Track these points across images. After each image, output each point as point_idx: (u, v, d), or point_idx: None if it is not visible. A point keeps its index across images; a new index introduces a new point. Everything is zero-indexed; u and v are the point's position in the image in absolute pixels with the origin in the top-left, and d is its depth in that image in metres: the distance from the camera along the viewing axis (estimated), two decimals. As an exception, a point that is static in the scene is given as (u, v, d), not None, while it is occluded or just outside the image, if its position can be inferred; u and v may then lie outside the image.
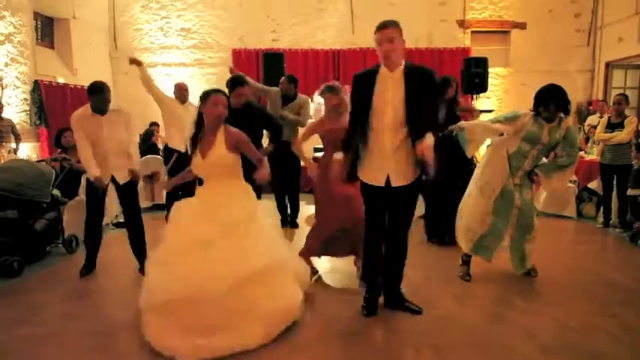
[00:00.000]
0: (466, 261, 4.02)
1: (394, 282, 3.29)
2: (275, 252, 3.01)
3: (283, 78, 5.66)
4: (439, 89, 3.14)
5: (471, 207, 3.89)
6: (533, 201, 3.90)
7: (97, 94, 3.94)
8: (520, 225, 3.82)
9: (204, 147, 3.01)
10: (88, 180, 4.07)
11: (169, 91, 5.92)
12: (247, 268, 2.80)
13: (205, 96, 3.02)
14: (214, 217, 2.90)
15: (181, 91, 5.79)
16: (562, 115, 3.70)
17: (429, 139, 2.83)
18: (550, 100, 3.62)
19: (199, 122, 3.05)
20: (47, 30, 8.95)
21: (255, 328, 2.77)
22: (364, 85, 2.99)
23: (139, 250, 4.24)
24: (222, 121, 3.01)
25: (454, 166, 4.62)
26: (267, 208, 3.33)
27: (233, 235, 2.87)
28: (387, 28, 2.92)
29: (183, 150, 5.22)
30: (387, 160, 2.99)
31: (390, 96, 2.93)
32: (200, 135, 3.05)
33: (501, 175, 3.78)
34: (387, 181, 3.02)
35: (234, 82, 4.37)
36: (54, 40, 9.08)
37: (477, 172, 4.00)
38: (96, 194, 4.07)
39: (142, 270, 4.16)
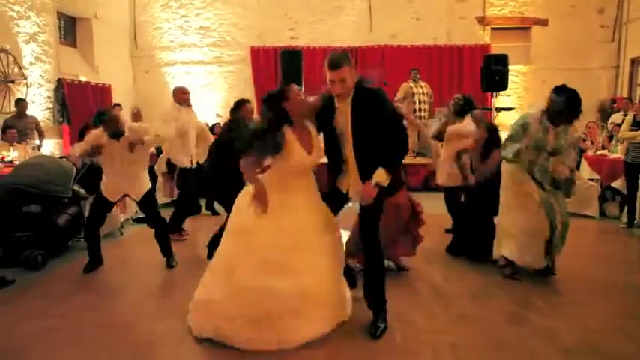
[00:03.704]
0: (510, 261, 3.91)
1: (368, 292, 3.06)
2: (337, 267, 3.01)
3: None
4: (393, 113, 2.80)
5: (527, 226, 3.76)
6: (563, 200, 3.88)
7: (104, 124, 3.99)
8: (563, 223, 3.79)
9: (305, 142, 2.86)
10: (99, 191, 4.21)
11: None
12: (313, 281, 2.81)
13: (282, 93, 2.83)
14: (295, 222, 2.86)
15: (181, 95, 5.34)
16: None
17: (375, 179, 2.75)
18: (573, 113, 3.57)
19: (278, 120, 2.84)
20: (70, 29, 9.13)
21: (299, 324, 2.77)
22: (325, 113, 2.92)
23: (164, 248, 4.36)
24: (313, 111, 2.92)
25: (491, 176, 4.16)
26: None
27: (306, 246, 2.84)
28: (340, 67, 2.72)
29: (187, 165, 5.22)
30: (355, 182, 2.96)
31: (342, 126, 2.87)
32: (280, 133, 2.82)
33: (528, 182, 3.73)
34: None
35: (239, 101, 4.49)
36: (76, 39, 9.26)
37: (506, 197, 3.90)
38: (103, 204, 4.20)
39: (169, 265, 4.28)
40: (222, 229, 4.03)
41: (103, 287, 3.87)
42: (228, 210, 4.26)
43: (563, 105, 3.55)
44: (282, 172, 2.93)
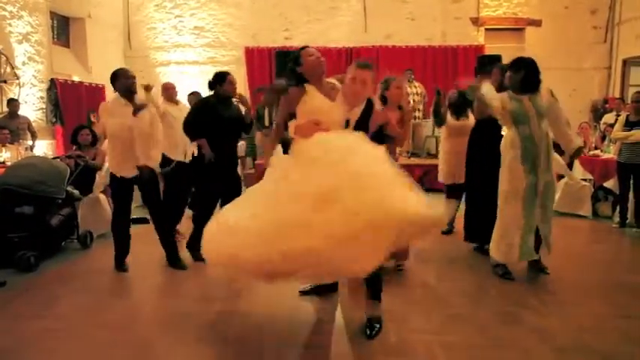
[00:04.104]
0: (501, 263, 3.92)
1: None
2: None
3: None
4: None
5: (505, 219, 3.80)
6: (553, 184, 3.93)
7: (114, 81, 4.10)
8: (543, 207, 3.77)
9: (326, 93, 2.93)
10: (112, 176, 4.11)
11: (182, 91, 5.71)
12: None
13: (296, 59, 2.95)
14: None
15: (163, 91, 5.39)
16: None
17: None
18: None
19: (293, 84, 2.96)
20: (63, 29, 9.08)
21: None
22: None
23: (166, 243, 4.27)
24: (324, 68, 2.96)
25: (491, 161, 4.04)
26: None
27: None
28: (367, 68, 2.89)
29: (182, 159, 5.10)
30: None
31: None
32: (302, 91, 2.91)
33: (518, 176, 3.72)
34: None
35: (222, 74, 4.43)
36: (69, 39, 9.21)
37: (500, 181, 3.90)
38: (122, 188, 4.09)
39: (173, 263, 4.21)
40: (197, 229, 4.00)
41: (101, 287, 3.85)
42: (197, 204, 4.23)
43: (521, 81, 3.74)
44: (307, 132, 2.76)
